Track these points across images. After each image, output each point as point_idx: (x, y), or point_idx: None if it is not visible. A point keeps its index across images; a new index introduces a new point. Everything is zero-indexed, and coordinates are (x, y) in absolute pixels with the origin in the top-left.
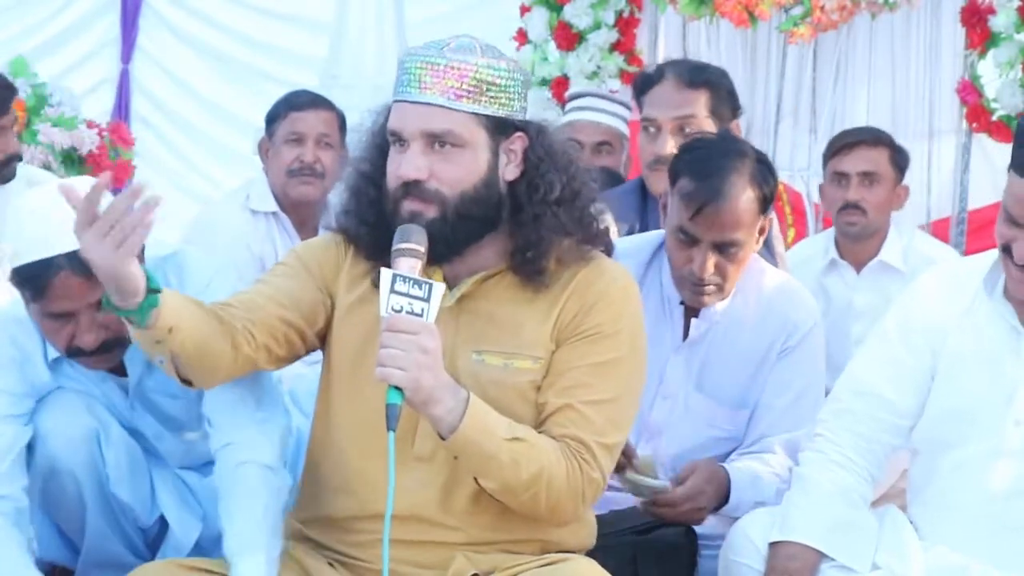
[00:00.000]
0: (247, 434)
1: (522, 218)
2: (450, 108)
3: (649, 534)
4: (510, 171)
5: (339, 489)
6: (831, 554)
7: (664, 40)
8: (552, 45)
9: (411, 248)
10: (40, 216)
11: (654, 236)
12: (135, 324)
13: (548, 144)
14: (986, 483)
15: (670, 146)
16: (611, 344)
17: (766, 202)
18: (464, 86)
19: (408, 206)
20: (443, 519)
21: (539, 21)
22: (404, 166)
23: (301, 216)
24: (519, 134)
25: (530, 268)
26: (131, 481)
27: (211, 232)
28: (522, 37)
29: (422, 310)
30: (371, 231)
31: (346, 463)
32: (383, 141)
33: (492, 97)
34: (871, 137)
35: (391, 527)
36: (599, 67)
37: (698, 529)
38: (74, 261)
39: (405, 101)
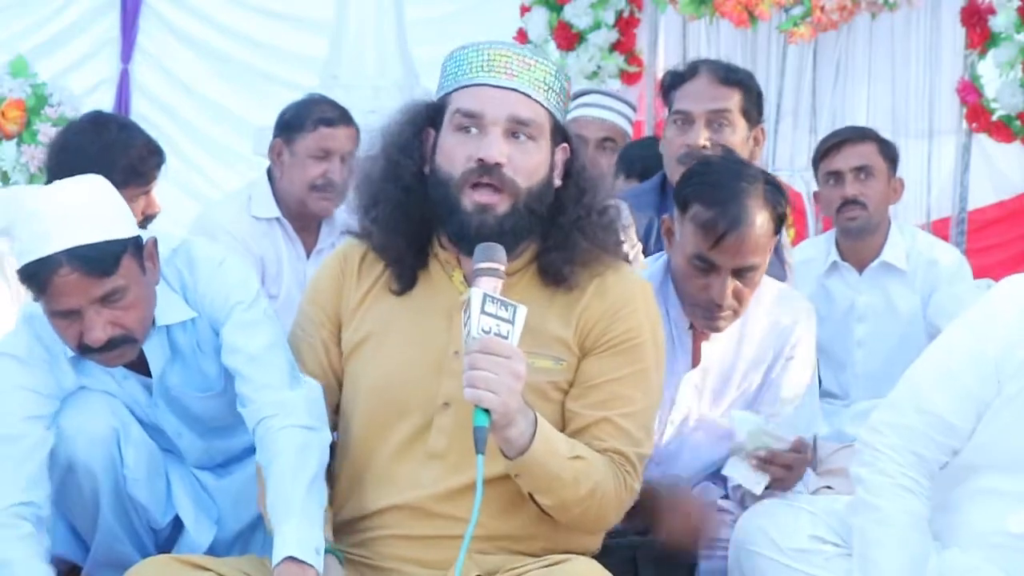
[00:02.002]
0: (281, 400)
1: (560, 222)
2: (535, 100)
3: (649, 535)
4: (556, 177)
5: (350, 490)
6: None
7: (664, 40)
8: (552, 45)
9: (495, 267)
10: (39, 215)
11: (661, 261)
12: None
13: (583, 158)
14: (1012, 515)
15: (703, 138)
16: (640, 354)
17: (780, 222)
18: (547, 81)
19: (478, 197)
20: (452, 512)
21: (539, 21)
22: (488, 148)
23: (304, 223)
24: (564, 144)
25: (557, 270)
26: (148, 482)
27: (211, 233)
28: (522, 37)
29: (507, 332)
30: (407, 232)
31: (353, 462)
32: (417, 136)
33: (557, 102)
34: (856, 134)
35: (398, 519)
36: (599, 67)
37: None
38: (73, 257)
39: (487, 85)
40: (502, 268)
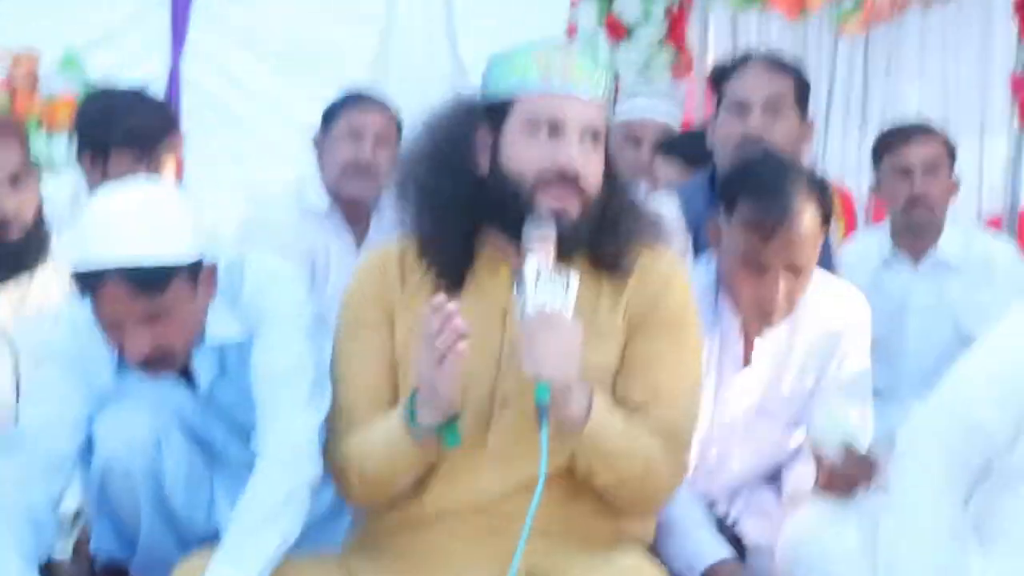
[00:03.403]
0: (278, 429)
1: (608, 215)
2: (601, 108)
3: None
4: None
5: (405, 492)
6: None
7: (714, 33)
8: (602, 38)
9: (545, 241)
10: (100, 219)
11: (711, 265)
12: (446, 442)
13: (611, 148)
14: None
15: (760, 124)
16: (685, 334)
17: (827, 217)
18: (606, 89)
19: (555, 199)
20: (508, 509)
21: (589, 14)
22: (569, 157)
23: (354, 213)
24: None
25: (612, 255)
26: (188, 488)
27: (261, 230)
28: (572, 30)
29: (562, 303)
30: (459, 231)
31: None
32: (471, 134)
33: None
34: (925, 129)
35: (454, 517)
36: (649, 60)
37: (746, 537)
38: (124, 273)
39: (565, 93)
40: (551, 241)
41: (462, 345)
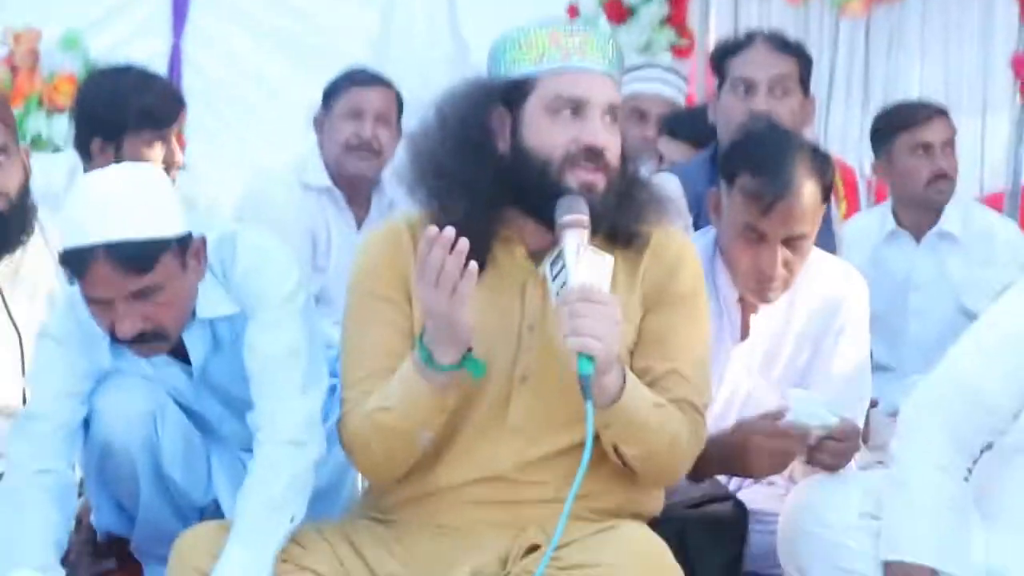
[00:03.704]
0: (277, 410)
1: (623, 189)
2: (617, 83)
3: (699, 508)
4: None
5: (417, 466)
6: (944, 569)
7: (715, 14)
8: (603, 19)
9: (581, 219)
10: (85, 200)
11: (710, 236)
12: (474, 374)
13: (621, 125)
14: None
15: (767, 103)
16: (696, 306)
17: (827, 191)
18: (621, 65)
19: (583, 176)
20: (528, 478)
21: None
22: (595, 134)
23: (355, 192)
24: None
25: (629, 231)
26: (185, 462)
27: (262, 206)
28: (573, 11)
29: (602, 281)
30: (477, 209)
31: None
32: (488, 114)
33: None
34: (940, 107)
35: (474, 489)
36: (650, 41)
37: (749, 505)
38: (110, 251)
39: (586, 70)
40: (586, 218)
41: (472, 265)
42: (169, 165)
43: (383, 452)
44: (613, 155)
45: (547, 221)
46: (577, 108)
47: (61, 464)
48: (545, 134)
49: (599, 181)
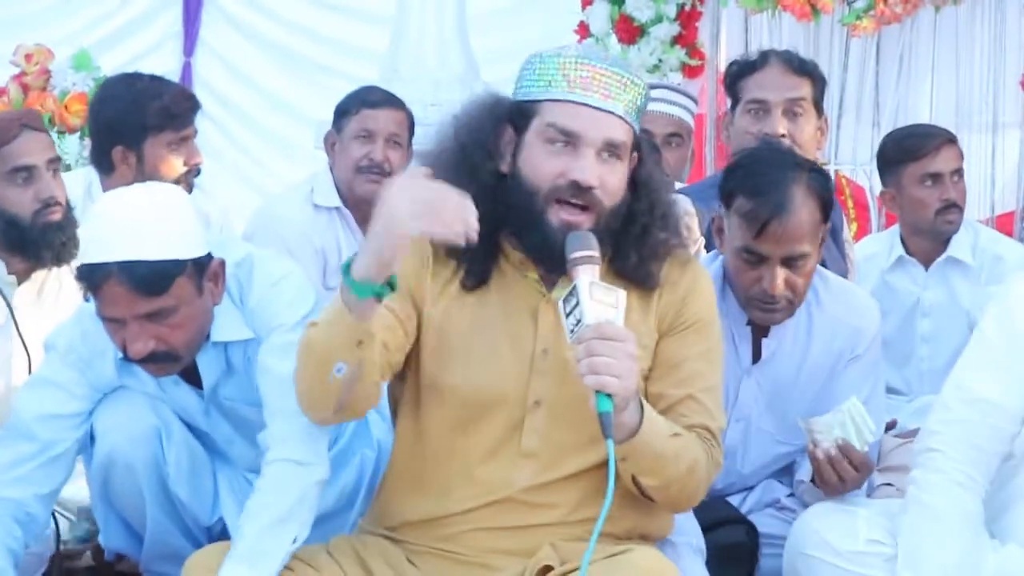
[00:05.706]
0: (285, 431)
1: (632, 229)
2: (626, 122)
3: (711, 532)
4: (627, 185)
5: (428, 491)
6: None
7: (726, 34)
8: (614, 39)
9: (591, 255)
10: (104, 218)
11: (718, 261)
12: (380, 297)
13: (650, 164)
14: None
15: (782, 126)
16: (710, 332)
17: (826, 209)
18: (637, 103)
19: (564, 214)
20: (541, 502)
21: (601, 14)
22: (587, 171)
23: (365, 213)
24: (634, 152)
25: (642, 274)
26: (191, 480)
27: (273, 225)
28: (584, 30)
29: (615, 316)
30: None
31: (431, 461)
32: (494, 132)
33: (639, 118)
34: (947, 135)
35: (486, 514)
36: (661, 60)
37: (760, 528)
38: (124, 271)
39: (586, 105)
40: (597, 254)
41: (473, 234)
42: (190, 168)
43: (304, 375)
44: (605, 193)
45: (533, 254)
46: (570, 141)
47: (26, 493)
48: (537, 162)
49: (583, 223)
